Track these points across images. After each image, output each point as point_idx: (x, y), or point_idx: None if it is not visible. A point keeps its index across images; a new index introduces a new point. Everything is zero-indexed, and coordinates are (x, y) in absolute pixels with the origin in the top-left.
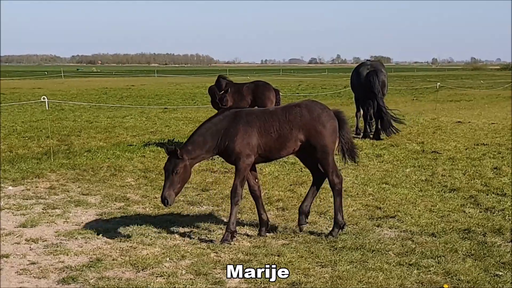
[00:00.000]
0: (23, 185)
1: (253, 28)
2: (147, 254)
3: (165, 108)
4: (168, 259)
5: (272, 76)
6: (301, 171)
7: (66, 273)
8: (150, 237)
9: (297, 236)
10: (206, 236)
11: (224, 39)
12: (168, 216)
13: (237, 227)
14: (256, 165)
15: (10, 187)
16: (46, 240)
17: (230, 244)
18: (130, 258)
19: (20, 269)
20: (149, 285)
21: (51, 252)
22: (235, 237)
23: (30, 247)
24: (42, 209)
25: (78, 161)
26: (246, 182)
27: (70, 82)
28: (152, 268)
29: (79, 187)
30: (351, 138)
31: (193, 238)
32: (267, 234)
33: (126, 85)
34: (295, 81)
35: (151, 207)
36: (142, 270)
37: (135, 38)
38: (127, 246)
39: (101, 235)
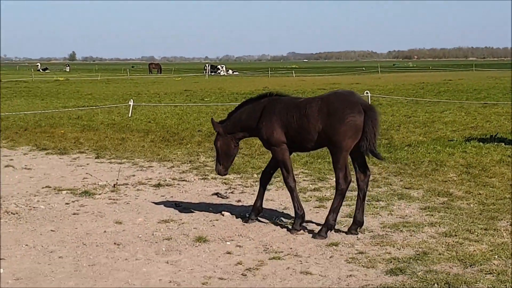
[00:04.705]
0: None
1: None
2: (474, 250)
3: (484, 103)
4: (496, 256)
5: None
6: None
7: (393, 264)
8: (476, 233)
9: None
10: None
11: None
12: (492, 213)
13: None
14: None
15: None
16: (372, 231)
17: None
18: (457, 254)
19: (349, 258)
20: (478, 282)
21: (377, 243)
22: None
23: (357, 237)
24: (367, 202)
25: (399, 155)
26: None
27: (387, 77)
28: (481, 265)
29: (401, 180)
30: (374, 133)
31: None
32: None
33: (443, 79)
34: None
35: (476, 203)
36: (470, 266)
37: (453, 31)
38: (453, 241)
39: (426, 228)
